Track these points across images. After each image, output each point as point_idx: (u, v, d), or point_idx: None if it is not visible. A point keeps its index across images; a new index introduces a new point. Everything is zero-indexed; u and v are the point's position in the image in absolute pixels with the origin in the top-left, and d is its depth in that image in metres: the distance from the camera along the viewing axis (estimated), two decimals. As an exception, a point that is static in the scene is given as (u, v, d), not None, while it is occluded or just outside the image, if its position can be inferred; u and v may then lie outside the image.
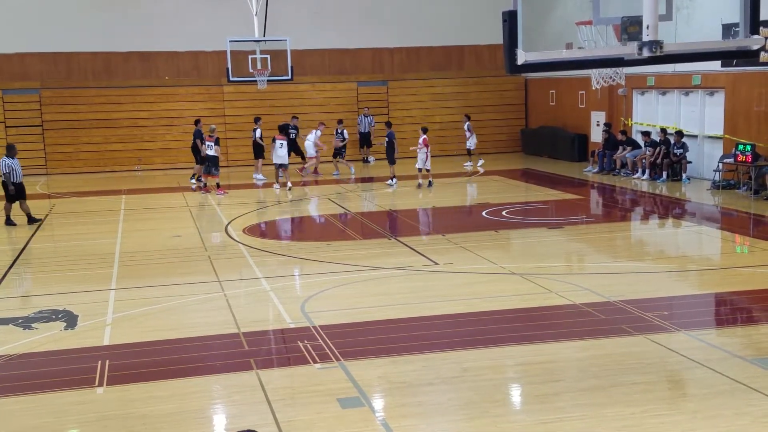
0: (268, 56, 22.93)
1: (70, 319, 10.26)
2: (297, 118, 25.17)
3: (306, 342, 9.10)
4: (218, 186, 21.14)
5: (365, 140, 28.16)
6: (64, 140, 27.48)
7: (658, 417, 6.90)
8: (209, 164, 20.99)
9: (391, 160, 22.75)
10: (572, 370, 8.21)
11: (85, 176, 26.35)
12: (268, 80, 22.84)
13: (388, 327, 9.70)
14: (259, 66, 22.63)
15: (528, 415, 7.23)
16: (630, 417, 6.93)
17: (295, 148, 24.68)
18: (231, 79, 22.98)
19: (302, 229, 17.67)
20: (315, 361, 8.48)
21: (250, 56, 22.84)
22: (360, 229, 16.47)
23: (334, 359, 8.52)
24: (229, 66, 22.53)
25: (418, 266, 12.75)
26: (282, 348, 9.34)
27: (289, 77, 23.38)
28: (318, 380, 7.99)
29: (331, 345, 8.95)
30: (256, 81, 22.81)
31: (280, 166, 21.93)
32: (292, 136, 23.93)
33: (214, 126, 21.60)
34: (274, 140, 22.03)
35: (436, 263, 12.86)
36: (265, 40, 22.91)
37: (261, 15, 23.51)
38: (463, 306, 10.46)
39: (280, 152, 21.80)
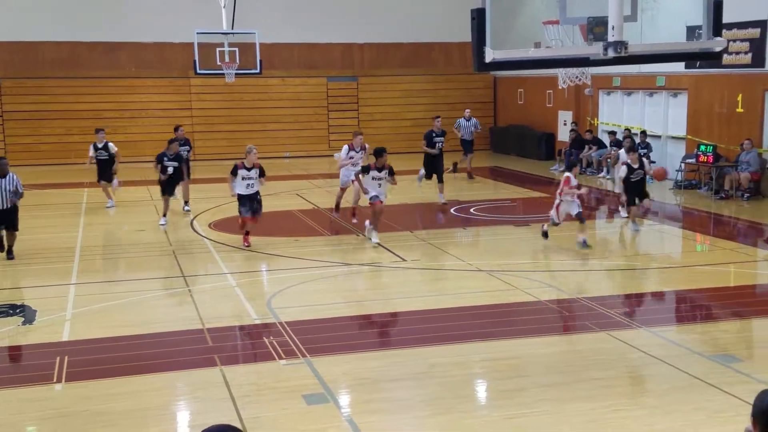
0: (237, 49, 22.76)
1: (28, 314, 10.11)
2: (181, 128, 18.97)
3: (271, 338, 9.08)
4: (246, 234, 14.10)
5: (467, 148, 23.17)
6: (25, 131, 27.07)
7: (619, 412, 7.00)
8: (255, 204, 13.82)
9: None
10: (537, 366, 8.29)
11: (46, 168, 25.96)
12: (236, 73, 22.68)
13: (355, 323, 9.72)
14: (227, 59, 22.45)
15: (493, 411, 7.29)
16: (592, 412, 7.02)
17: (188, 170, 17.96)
18: (198, 71, 22.79)
19: (270, 224, 17.60)
20: (280, 357, 8.46)
21: (218, 49, 22.65)
22: (328, 225, 16.45)
23: (299, 355, 8.51)
24: (197, 58, 22.34)
25: (386, 263, 12.78)
26: (247, 344, 9.31)
27: (258, 71, 23.25)
28: (283, 376, 7.98)
29: (297, 341, 8.94)
30: (224, 74, 22.63)
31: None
32: (184, 154, 17.51)
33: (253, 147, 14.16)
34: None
35: (404, 260, 12.90)
36: (233, 33, 22.74)
37: (230, 7, 23.33)
38: (430, 302, 10.50)
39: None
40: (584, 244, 13.24)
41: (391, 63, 30.21)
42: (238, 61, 22.66)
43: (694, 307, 10.61)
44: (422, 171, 19.20)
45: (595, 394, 7.42)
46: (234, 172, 13.66)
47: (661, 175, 15.63)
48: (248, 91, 28.18)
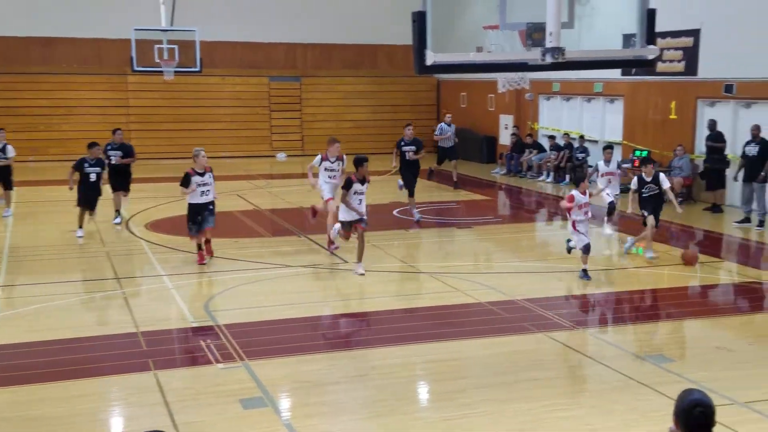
0: (176, 46, 22.38)
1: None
2: (120, 131, 16.69)
3: (209, 341, 8.95)
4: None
5: (446, 154, 21.95)
6: (-46, 128, 26.21)
7: (556, 412, 7.09)
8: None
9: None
10: (477, 367, 8.35)
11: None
12: (175, 71, 22.31)
13: (295, 326, 9.64)
14: (165, 56, 22.07)
15: (433, 412, 7.32)
16: (530, 412, 7.09)
17: (123, 178, 16.16)
18: (135, 68, 22.36)
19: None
20: (218, 361, 8.34)
21: (156, 46, 22.23)
22: (270, 226, 16.33)
23: (237, 359, 8.40)
24: (134, 55, 21.90)
25: (327, 265, 12.72)
26: (183, 348, 9.16)
27: (198, 69, 22.92)
28: (220, 380, 7.87)
29: (235, 344, 8.83)
30: (162, 72, 22.27)
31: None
32: (112, 159, 15.85)
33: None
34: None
35: (346, 261, 12.86)
36: (172, 30, 22.38)
37: (169, 3, 22.96)
38: (371, 304, 10.50)
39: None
40: (585, 275, 11.67)
41: (335, 64, 30.15)
42: (177, 58, 22.29)
43: (630, 309, 10.81)
44: (401, 181, 16.94)
45: (533, 394, 7.50)
46: (186, 183, 12.24)
47: (692, 260, 12.52)
48: (188, 90, 27.77)
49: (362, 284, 11.59)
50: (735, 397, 7.36)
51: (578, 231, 11.76)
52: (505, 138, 26.00)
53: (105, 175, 15.06)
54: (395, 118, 30.20)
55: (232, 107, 28.71)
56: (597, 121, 22.54)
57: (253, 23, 28.43)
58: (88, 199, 14.67)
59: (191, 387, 7.74)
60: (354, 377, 7.95)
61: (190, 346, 9.08)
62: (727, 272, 12.51)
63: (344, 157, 14.00)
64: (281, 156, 29.10)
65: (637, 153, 19.81)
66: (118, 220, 15.91)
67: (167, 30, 22.33)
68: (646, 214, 12.98)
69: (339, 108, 29.74)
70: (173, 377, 7.97)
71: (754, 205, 15.76)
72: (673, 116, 19.56)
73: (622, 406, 7.20)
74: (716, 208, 17.24)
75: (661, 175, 13.06)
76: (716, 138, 17.45)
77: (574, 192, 11.84)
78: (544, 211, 19.31)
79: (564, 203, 12.06)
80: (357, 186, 11.93)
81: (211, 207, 12.53)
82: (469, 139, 28.05)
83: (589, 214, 11.94)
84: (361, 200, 11.95)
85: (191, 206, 12.37)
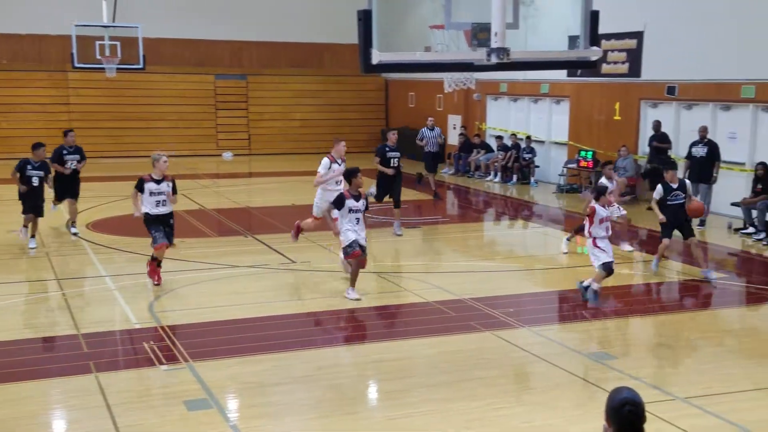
0: (118, 43, 21.97)
1: None
2: (72, 133, 15.25)
3: (152, 343, 8.80)
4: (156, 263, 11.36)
5: (433, 160, 20.88)
6: None
7: (501, 410, 7.14)
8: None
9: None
10: (423, 367, 8.37)
11: None
12: (117, 68, 21.92)
13: (241, 326, 9.54)
14: (107, 53, 21.66)
15: (378, 412, 7.31)
16: (475, 410, 7.13)
17: (72, 185, 14.73)
18: (76, 65, 21.91)
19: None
20: (161, 363, 8.21)
21: (97, 42, 21.81)
22: (216, 226, 16.15)
23: (182, 360, 8.28)
24: (74, 51, 21.45)
25: (275, 264, 12.63)
26: (125, 349, 8.99)
27: (141, 66, 22.55)
28: (164, 382, 7.75)
29: (179, 346, 8.70)
30: (104, 68, 21.84)
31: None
32: (71, 165, 14.66)
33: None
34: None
35: (293, 261, 12.78)
36: (114, 26, 21.98)
37: (111, -1, 22.60)
38: (318, 304, 10.45)
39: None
40: (594, 295, 10.46)
41: (282, 62, 29.98)
42: (119, 55, 21.90)
43: (574, 307, 10.94)
44: (373, 189, 15.18)
45: (478, 393, 7.54)
46: (140, 187, 10.86)
47: (699, 211, 12.03)
48: (131, 87, 27.32)
49: (310, 284, 11.54)
50: (676, 392, 7.51)
51: (600, 248, 10.42)
52: (453, 138, 26.14)
53: (50, 179, 13.87)
54: (343, 117, 30.19)
55: (177, 105, 28.33)
56: (544, 122, 22.82)
57: (198, 20, 28.11)
58: (34, 206, 13.40)
59: (133, 389, 7.61)
60: (300, 378, 7.90)
61: (133, 348, 8.92)
62: (670, 270, 12.76)
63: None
64: (227, 155, 28.83)
65: (582, 153, 20.11)
66: (75, 229, 14.62)
67: (109, 26, 21.93)
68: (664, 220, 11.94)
69: (286, 107, 29.59)
70: (115, 379, 7.82)
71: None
72: (617, 117, 19.91)
73: (566, 402, 7.29)
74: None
75: (687, 182, 12.19)
76: (662, 138, 17.79)
77: (596, 205, 10.43)
78: (491, 210, 19.46)
79: (591, 221, 10.49)
80: (351, 203, 10.32)
81: (171, 221, 11.08)
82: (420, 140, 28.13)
83: (610, 230, 10.66)
84: (358, 219, 10.40)
85: (147, 217, 10.90)
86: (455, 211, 19.71)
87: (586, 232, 10.54)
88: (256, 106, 29.42)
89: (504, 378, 8.04)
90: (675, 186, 11.80)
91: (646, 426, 3.70)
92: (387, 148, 15.11)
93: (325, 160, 12.38)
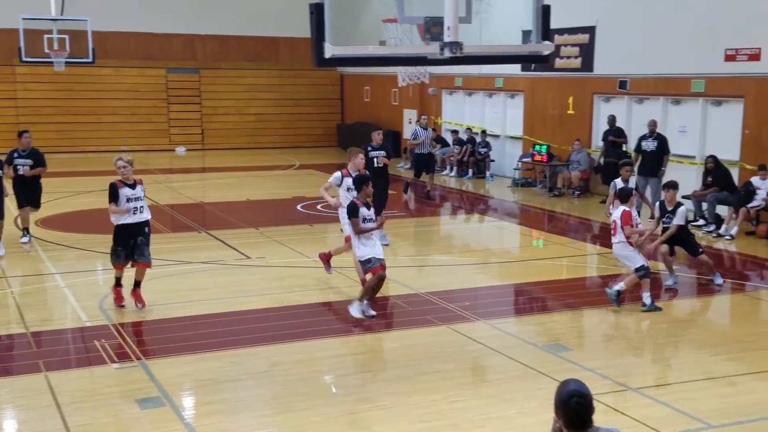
0: (67, 36, 21.52)
1: None
2: (27, 134, 13.74)
3: (103, 341, 8.66)
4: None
5: (424, 165, 19.12)
6: None
7: (457, 403, 7.16)
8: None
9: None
10: (380, 361, 8.37)
11: None
12: (66, 62, 21.49)
13: (194, 323, 9.43)
14: (56, 47, 21.22)
15: (335, 407, 7.28)
16: (431, 404, 7.14)
17: (32, 190, 13.63)
18: (23, 59, 21.41)
19: (104, 221, 16.85)
20: (113, 361, 8.09)
21: (46, 36, 21.32)
22: (169, 221, 15.94)
23: (134, 358, 8.16)
24: (22, 45, 20.96)
25: (230, 260, 12.51)
26: (76, 348, 8.83)
27: (91, 60, 22.14)
28: (115, 381, 7.63)
29: (131, 343, 8.58)
30: (52, 62, 21.40)
31: None
32: (21, 169, 13.41)
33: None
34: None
35: (249, 257, 12.68)
36: (62, 19, 21.52)
37: (59, -9, 22.11)
38: (274, 300, 10.38)
39: None
40: (617, 298, 9.99)
41: (235, 56, 29.70)
42: (68, 49, 21.46)
43: (530, 300, 11.05)
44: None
45: (434, 386, 7.56)
46: (115, 197, 9.46)
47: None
48: (80, 81, 26.84)
49: (265, 280, 11.46)
50: (628, 383, 7.62)
51: (633, 250, 10.08)
52: (409, 132, 26.17)
53: (4, 184, 12.85)
54: (299, 111, 30.05)
55: (128, 100, 27.92)
56: (498, 116, 22.96)
57: (149, 13, 27.68)
58: (29, 198, 12.96)
59: (84, 388, 7.47)
60: (254, 374, 7.83)
61: (84, 346, 8.77)
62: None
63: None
64: (180, 150, 28.50)
65: (537, 147, 20.29)
66: (25, 239, 13.50)
67: (57, 19, 21.44)
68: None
69: (241, 101, 29.35)
70: (65, 378, 7.67)
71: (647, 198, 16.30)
72: (570, 111, 20.12)
73: (521, 395, 7.35)
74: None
75: (680, 210, 10.97)
76: (618, 133, 17.95)
77: (627, 209, 10.08)
78: (447, 204, 19.53)
79: (628, 229, 9.99)
80: (363, 211, 9.60)
81: (147, 230, 9.77)
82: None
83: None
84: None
85: (121, 228, 9.57)
86: (411, 205, 19.73)
87: (619, 237, 10.06)
88: (209, 100, 29.12)
89: (460, 371, 8.08)
90: (670, 209, 11.04)
91: (600, 417, 3.75)
92: (370, 147, 13.72)
93: (337, 174, 11.20)
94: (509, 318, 10.07)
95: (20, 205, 13.54)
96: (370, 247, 9.50)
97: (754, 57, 15.36)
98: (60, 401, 7.10)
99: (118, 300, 9.80)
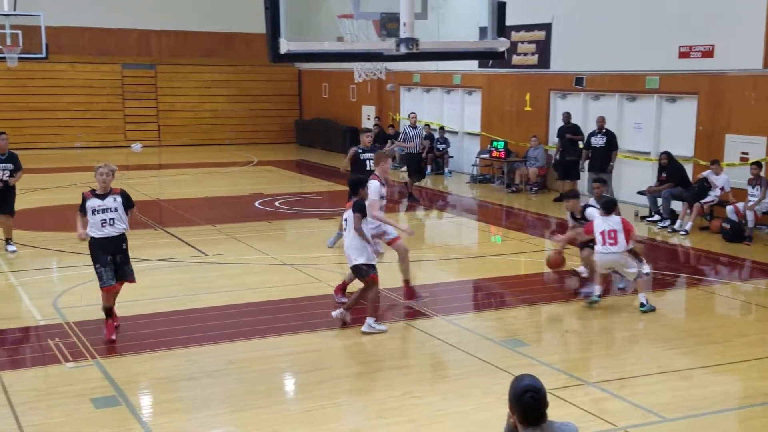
0: (20, 32, 21.11)
1: None
2: (4, 136, 12.59)
3: (57, 340, 8.52)
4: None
5: (417, 165, 18.55)
6: None
7: (415, 399, 7.18)
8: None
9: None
10: (338, 358, 8.35)
11: None
12: (19, 58, 21.09)
13: (151, 321, 9.32)
14: (8, 42, 20.80)
15: (292, 404, 7.26)
16: (390, 400, 7.15)
17: (8, 197, 12.59)
18: (-25, 55, 20.99)
19: (59, 218, 16.58)
20: (67, 360, 7.96)
21: (-3, 31, 20.96)
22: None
23: (89, 357, 8.05)
24: (-27, 41, 20.55)
25: (187, 258, 12.39)
26: (29, 347, 8.69)
27: (44, 55, 21.77)
28: (70, 380, 7.51)
29: (86, 342, 8.45)
30: (5, 58, 20.98)
31: None
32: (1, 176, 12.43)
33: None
34: None
35: (206, 254, 12.57)
36: (15, 14, 21.12)
37: (11, -14, 21.68)
38: (231, 297, 10.30)
39: None
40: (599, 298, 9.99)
41: (191, 52, 29.40)
42: (21, 44, 21.06)
43: (488, 295, 11.12)
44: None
45: (392, 382, 7.57)
46: (83, 208, 8.62)
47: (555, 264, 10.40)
48: (34, 77, 26.39)
49: (222, 277, 11.37)
50: (585, 377, 7.71)
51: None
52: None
53: None
54: (256, 108, 29.87)
55: (83, 95, 27.51)
56: (456, 113, 23.07)
57: (103, 8, 27.28)
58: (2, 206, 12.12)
59: (38, 387, 7.35)
60: (211, 372, 7.76)
61: (38, 345, 8.62)
62: (577, 258, 13.08)
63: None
64: (137, 146, 28.16)
65: (495, 144, 20.42)
66: (13, 248, 12.56)
67: (10, 14, 21.03)
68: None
69: (197, 97, 29.08)
70: (18, 378, 7.54)
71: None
72: (528, 108, 20.28)
73: (478, 390, 7.39)
74: (561, 199, 17.70)
75: (588, 210, 10.55)
76: (575, 130, 18.04)
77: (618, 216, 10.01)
78: (405, 201, 19.56)
79: (634, 236, 10.01)
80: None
81: (124, 246, 8.68)
82: (332, 130, 28.10)
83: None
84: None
85: (92, 242, 8.60)
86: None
87: (621, 246, 9.80)
88: (165, 96, 28.79)
89: (418, 367, 8.09)
90: (578, 216, 10.65)
91: (556, 411, 3.78)
92: (360, 150, 12.92)
93: (375, 184, 9.89)
94: (468, 314, 10.12)
95: None
96: (369, 252, 8.98)
97: (708, 54, 15.65)
98: (13, 401, 6.98)
99: (109, 333, 8.59)
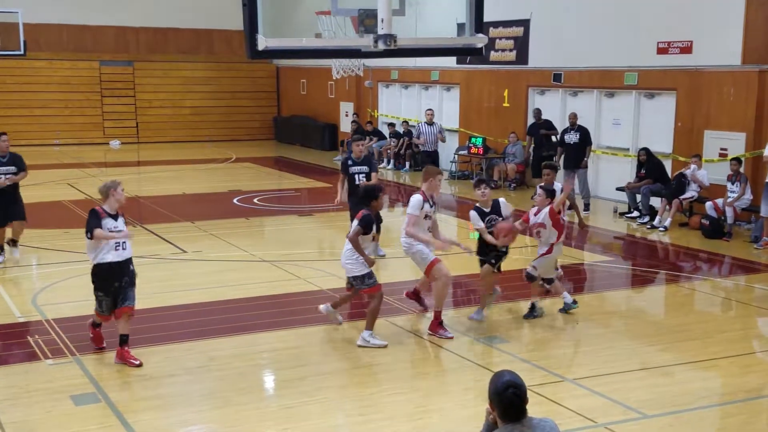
0: (-3, 29, 21.02)
1: None
2: (5, 137, 11.88)
3: (37, 337, 8.50)
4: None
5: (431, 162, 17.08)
6: None
7: (394, 395, 7.21)
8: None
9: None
10: (317, 355, 8.35)
11: None
12: (-4, 55, 20.96)
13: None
14: (-14, 39, 20.68)
15: (273, 401, 7.27)
16: (369, 397, 7.18)
17: (12, 203, 11.79)
18: (-47, 52, 20.81)
19: (37, 215, 16.44)
20: (46, 357, 7.93)
21: (-25, 28, 20.81)
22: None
23: (68, 354, 8.02)
24: (-49, 37, 20.37)
25: (166, 254, 12.34)
26: (9, 344, 8.62)
27: (22, 52, 21.62)
28: (49, 377, 7.48)
29: (65, 339, 8.41)
30: (-18, 55, 20.85)
31: None
32: (2, 178, 11.62)
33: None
34: None
35: (185, 251, 12.54)
36: None
37: (-12, -17, 21.51)
38: (211, 294, 10.28)
39: None
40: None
41: (170, 48, 29.25)
42: (-1, 41, 20.94)
43: (467, 292, 11.15)
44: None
45: (372, 379, 7.60)
46: (96, 227, 7.80)
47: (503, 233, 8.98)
48: (12, 74, 26.19)
49: (202, 274, 11.34)
50: (564, 374, 7.76)
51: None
52: (345, 125, 26.17)
53: None
54: (235, 104, 29.78)
55: (61, 93, 27.31)
56: (435, 109, 23.06)
57: (81, 4, 27.13)
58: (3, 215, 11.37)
59: (17, 385, 7.32)
60: (191, 369, 7.76)
61: (17, 342, 8.57)
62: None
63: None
64: (115, 143, 27.98)
65: (473, 140, 20.48)
66: (17, 252, 12.07)
67: (-13, 12, 20.90)
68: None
69: (176, 94, 28.94)
70: (-5, 378, 7.50)
71: (577, 190, 16.56)
72: (506, 104, 20.36)
73: (458, 386, 7.43)
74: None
75: (501, 201, 9.47)
76: (548, 126, 18.17)
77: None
78: (385, 198, 19.56)
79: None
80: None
81: (131, 268, 8.02)
82: (310, 126, 28.08)
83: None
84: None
85: (100, 269, 7.82)
86: (347, 198, 19.73)
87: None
88: (143, 93, 28.62)
89: (398, 364, 8.10)
90: (487, 210, 9.29)
91: (536, 408, 3.82)
92: (350, 161, 11.93)
93: (417, 198, 8.76)
94: (447, 310, 10.12)
95: (3, 222, 11.64)
96: (365, 266, 8.43)
97: (686, 50, 15.77)
98: (-9, 399, 6.94)
99: (98, 341, 8.15)
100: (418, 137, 17.74)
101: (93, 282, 7.91)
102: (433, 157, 18.33)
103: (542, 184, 10.08)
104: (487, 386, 3.88)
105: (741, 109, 14.83)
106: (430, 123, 17.83)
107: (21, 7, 21.52)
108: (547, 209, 9.19)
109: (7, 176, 11.48)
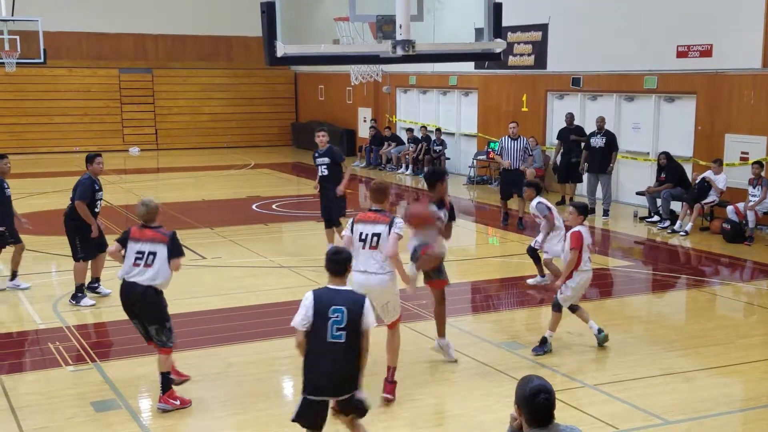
0: (18, 37, 21.21)
1: None
2: (6, 160, 11.27)
3: (58, 343, 8.55)
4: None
5: (512, 183, 14.79)
6: None
7: (412, 401, 7.18)
8: None
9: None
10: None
11: None
12: (17, 63, 21.15)
13: (150, 325, 9.30)
14: (6, 47, 20.89)
15: (291, 408, 7.20)
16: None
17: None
18: (-27, 60, 21.05)
19: (57, 223, 16.57)
20: (67, 364, 7.98)
21: (-5, 36, 21.04)
22: (123, 223, 15.72)
23: (89, 360, 8.06)
24: (-28, 46, 20.62)
25: (185, 261, 12.30)
26: (30, 351, 8.70)
27: (42, 60, 21.83)
28: (70, 383, 7.53)
29: (86, 345, 8.47)
30: (3, 63, 21.04)
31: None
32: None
33: None
34: None
35: (204, 257, 12.57)
36: (13, 20, 21.17)
37: (9, -9, 21.74)
38: (230, 300, 10.31)
39: None
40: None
41: (189, 56, 29.42)
42: (19, 49, 21.15)
43: (486, 297, 11.12)
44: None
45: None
46: (123, 243, 7.41)
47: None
48: (32, 82, 26.42)
49: (221, 280, 11.37)
50: (584, 380, 7.71)
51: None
52: (364, 131, 26.20)
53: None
54: (253, 111, 29.90)
55: (81, 100, 27.54)
56: (453, 114, 23.08)
57: (100, 13, 27.34)
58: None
59: (39, 391, 7.37)
60: (211, 375, 7.78)
61: (38, 349, 8.63)
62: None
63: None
64: (134, 150, 28.17)
65: (492, 145, 20.42)
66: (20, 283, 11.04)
67: (8, 20, 21.11)
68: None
69: (195, 101, 29.09)
70: (20, 382, 7.55)
71: (599, 195, 16.47)
72: (525, 109, 20.29)
73: (479, 392, 7.39)
74: (563, 202, 16.84)
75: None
76: (579, 132, 17.68)
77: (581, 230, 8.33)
78: (403, 203, 19.57)
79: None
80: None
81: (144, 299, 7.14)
82: (329, 133, 28.09)
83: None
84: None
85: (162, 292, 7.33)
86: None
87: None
88: (162, 100, 28.81)
89: (416, 369, 8.08)
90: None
91: (557, 414, 3.77)
92: (316, 153, 12.25)
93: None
94: (466, 316, 10.12)
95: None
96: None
97: (706, 53, 15.65)
98: (14, 404, 7.00)
99: (181, 401, 7.06)
100: (500, 154, 15.01)
101: (164, 309, 7.24)
102: (515, 178, 14.62)
103: (574, 201, 10.01)
104: (514, 391, 3.81)
105: (762, 113, 14.70)
106: (515, 138, 14.93)
107: (41, 16, 21.75)
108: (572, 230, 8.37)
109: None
